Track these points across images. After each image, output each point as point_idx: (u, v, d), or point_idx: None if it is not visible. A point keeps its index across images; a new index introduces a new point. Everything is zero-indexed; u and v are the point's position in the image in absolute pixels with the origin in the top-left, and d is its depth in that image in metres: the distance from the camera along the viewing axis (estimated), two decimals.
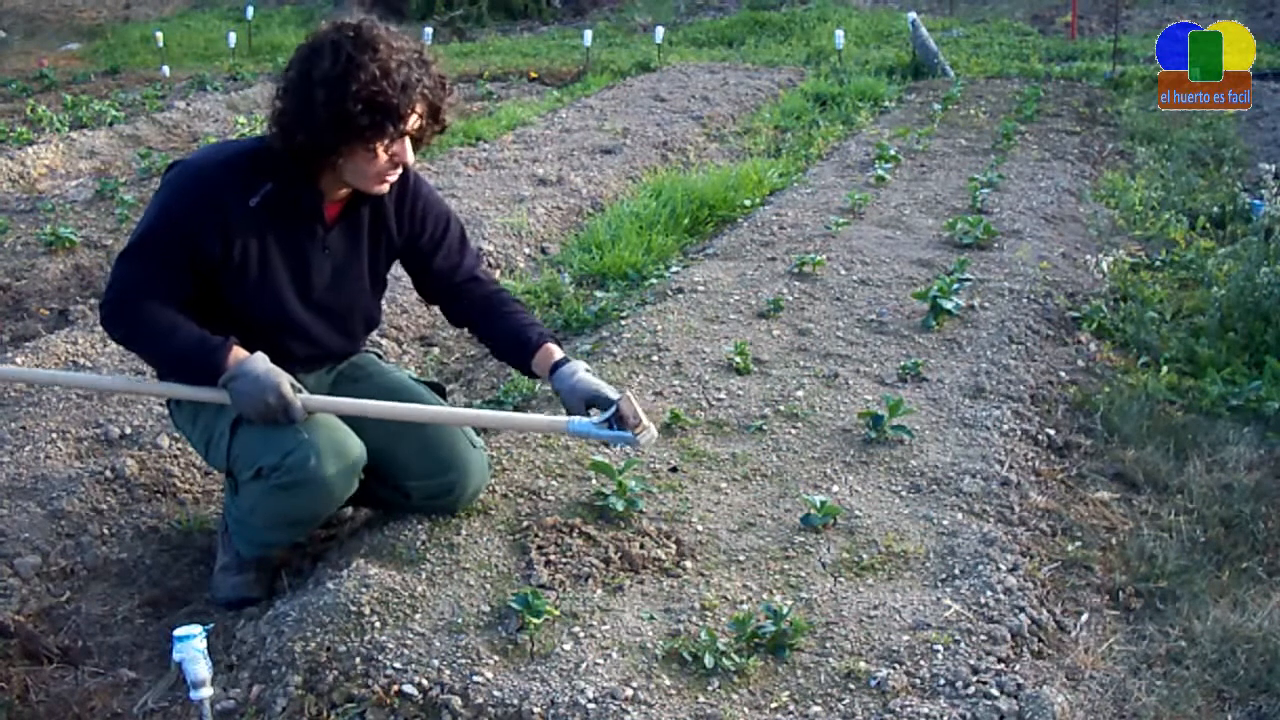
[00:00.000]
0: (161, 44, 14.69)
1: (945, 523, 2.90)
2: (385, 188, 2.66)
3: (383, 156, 2.55)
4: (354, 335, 2.90)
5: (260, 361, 2.57)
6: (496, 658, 2.35)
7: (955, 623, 2.47)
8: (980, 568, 2.67)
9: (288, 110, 2.51)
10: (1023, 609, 2.54)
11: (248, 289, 2.65)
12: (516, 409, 3.67)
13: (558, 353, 2.84)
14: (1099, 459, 3.45)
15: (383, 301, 3.03)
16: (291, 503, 2.61)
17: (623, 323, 4.35)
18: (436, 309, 3.24)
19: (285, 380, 2.56)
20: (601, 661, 2.34)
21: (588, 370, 2.77)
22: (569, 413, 2.77)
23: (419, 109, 2.54)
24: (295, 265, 2.69)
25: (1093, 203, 6.28)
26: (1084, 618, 2.66)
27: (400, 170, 2.64)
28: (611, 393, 2.75)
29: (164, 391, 2.80)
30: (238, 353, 2.58)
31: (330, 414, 2.66)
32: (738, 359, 3.88)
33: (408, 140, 2.57)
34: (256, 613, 2.68)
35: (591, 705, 2.19)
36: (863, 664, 2.34)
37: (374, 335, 4.36)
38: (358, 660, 2.32)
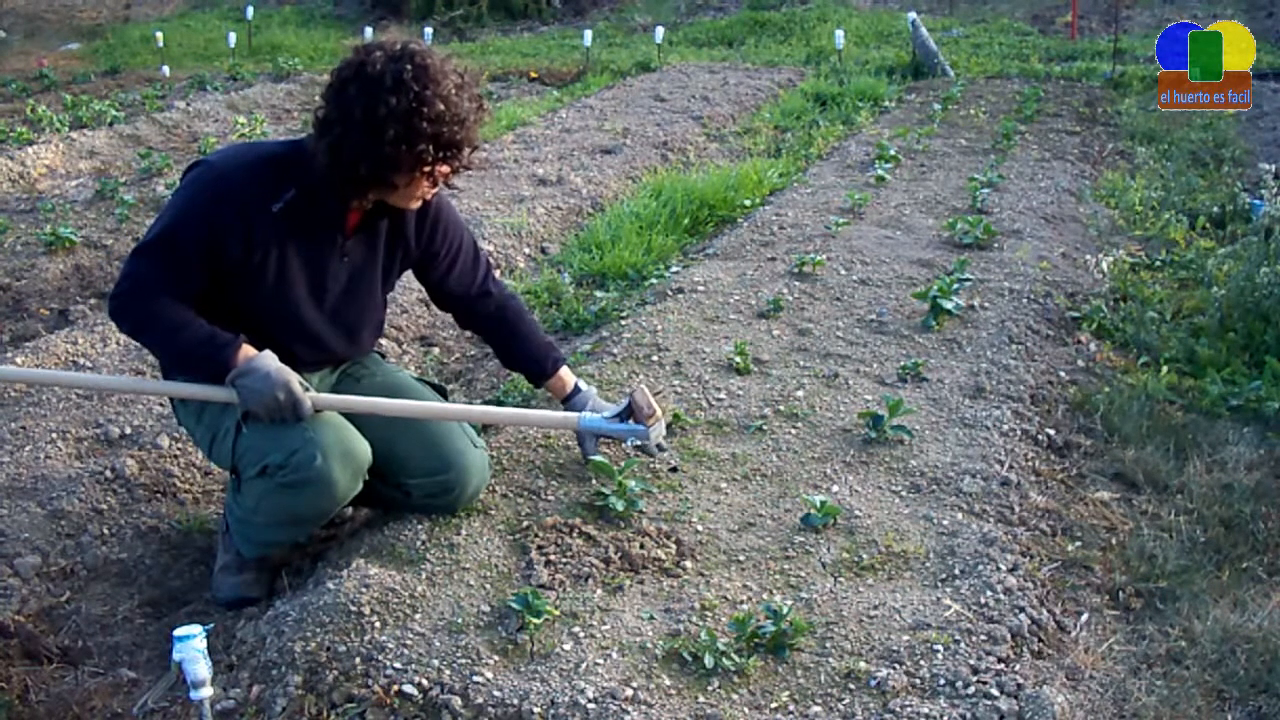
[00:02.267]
0: (161, 44, 14.70)
1: (945, 523, 2.90)
2: (418, 204, 2.71)
3: (433, 182, 2.61)
4: (360, 342, 2.92)
5: (269, 359, 2.59)
6: (496, 658, 2.35)
7: (955, 623, 2.47)
8: (980, 568, 2.68)
9: (352, 143, 2.49)
10: (1023, 609, 2.54)
11: (263, 293, 2.66)
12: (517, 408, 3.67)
13: (571, 381, 3.09)
14: (1099, 459, 3.45)
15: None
16: (296, 501, 2.61)
17: (623, 323, 4.35)
18: (436, 309, 3.30)
19: (294, 378, 2.58)
20: (601, 661, 2.34)
21: (597, 397, 3.01)
22: (580, 442, 3.08)
23: (476, 139, 2.60)
24: (313, 272, 2.71)
25: (1093, 203, 6.28)
26: (1084, 618, 2.66)
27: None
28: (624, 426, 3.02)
29: (171, 391, 2.81)
30: (246, 350, 2.60)
31: (338, 412, 2.68)
32: (738, 359, 3.88)
33: None
34: (256, 613, 2.68)
35: (591, 705, 2.19)
36: (863, 664, 2.34)
37: None
38: (358, 660, 2.32)
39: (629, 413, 2.83)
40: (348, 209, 2.68)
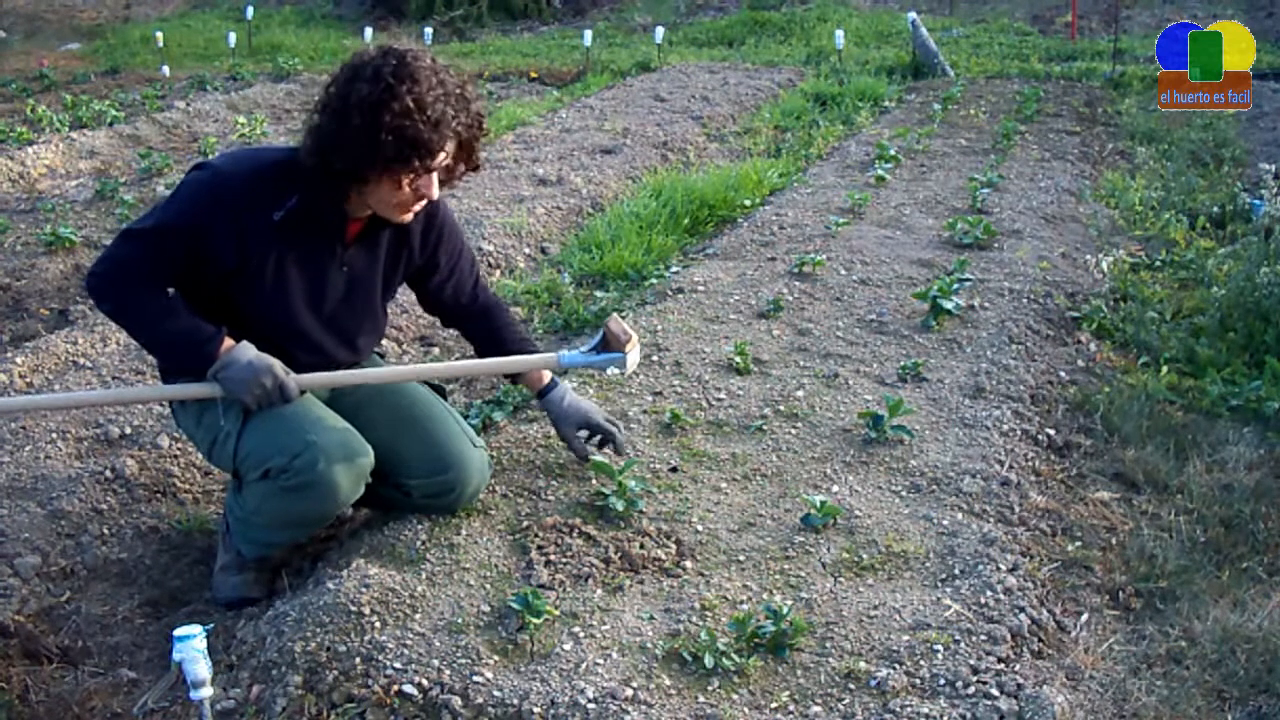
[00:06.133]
0: (161, 44, 14.68)
1: (945, 523, 2.90)
2: (408, 218, 2.67)
3: (406, 189, 2.55)
4: (359, 348, 2.92)
5: (248, 349, 2.59)
6: (496, 658, 2.35)
7: (955, 623, 2.47)
8: (980, 568, 2.68)
9: (324, 129, 2.50)
10: (1023, 609, 2.54)
11: (260, 298, 2.66)
12: (516, 410, 3.67)
13: (547, 375, 3.06)
14: (1099, 459, 3.45)
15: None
16: (298, 504, 2.61)
17: None
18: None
19: (276, 363, 2.59)
20: (601, 661, 2.34)
21: (574, 392, 2.99)
22: (560, 435, 3.11)
23: (449, 147, 2.54)
24: (310, 280, 2.70)
25: (1093, 203, 6.28)
26: (1084, 618, 2.66)
27: (424, 204, 2.64)
28: (600, 417, 3.09)
29: (153, 396, 2.80)
30: (228, 343, 2.60)
31: (323, 388, 2.76)
32: (738, 359, 3.88)
33: (434, 176, 2.57)
34: (256, 613, 2.68)
35: (591, 705, 2.19)
36: (863, 664, 2.34)
37: None
38: (358, 660, 2.32)
39: (604, 343, 2.87)
40: (347, 218, 2.67)
